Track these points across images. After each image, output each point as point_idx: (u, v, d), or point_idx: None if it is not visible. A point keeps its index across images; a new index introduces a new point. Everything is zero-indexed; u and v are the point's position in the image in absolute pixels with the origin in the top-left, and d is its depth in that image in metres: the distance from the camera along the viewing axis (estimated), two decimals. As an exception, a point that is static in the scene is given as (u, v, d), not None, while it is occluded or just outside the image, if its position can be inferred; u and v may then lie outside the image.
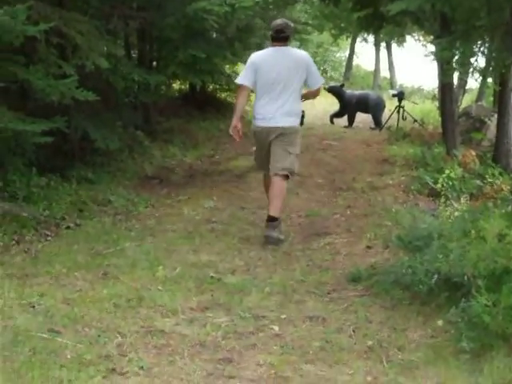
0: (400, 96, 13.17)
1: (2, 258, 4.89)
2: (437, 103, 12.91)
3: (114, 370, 3.25)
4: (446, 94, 9.49)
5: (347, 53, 28.33)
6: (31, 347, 3.41)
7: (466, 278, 3.84)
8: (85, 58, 6.34)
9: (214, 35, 10.08)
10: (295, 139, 5.76)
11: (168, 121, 10.89)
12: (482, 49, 8.10)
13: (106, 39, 7.12)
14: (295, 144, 5.75)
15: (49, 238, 5.47)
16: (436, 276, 4.01)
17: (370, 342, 3.68)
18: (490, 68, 7.82)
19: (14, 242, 5.24)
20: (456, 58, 7.81)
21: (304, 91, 5.93)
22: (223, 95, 13.62)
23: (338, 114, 13.72)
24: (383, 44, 26.35)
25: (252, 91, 5.96)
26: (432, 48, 14.14)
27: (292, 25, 6.03)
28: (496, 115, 9.62)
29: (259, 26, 10.63)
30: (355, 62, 28.87)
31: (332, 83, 15.62)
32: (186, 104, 12.42)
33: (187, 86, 12.97)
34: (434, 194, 7.09)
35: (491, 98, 14.23)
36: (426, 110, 14.70)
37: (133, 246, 5.37)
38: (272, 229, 5.57)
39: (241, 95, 5.80)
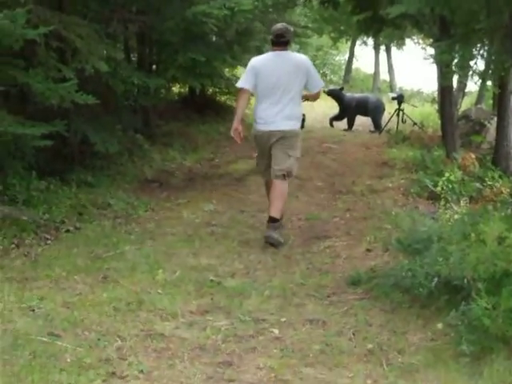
0: (399, 99, 13.16)
1: (2, 262, 4.89)
2: (436, 106, 12.92)
3: (113, 373, 3.25)
4: (446, 96, 9.49)
5: (347, 56, 28.36)
6: (31, 351, 3.41)
7: (465, 281, 3.84)
8: (84, 61, 6.34)
9: (214, 39, 10.09)
10: (296, 142, 5.80)
11: (167, 124, 10.89)
12: (481, 52, 8.10)
13: (105, 43, 7.12)
14: (296, 147, 5.79)
15: (48, 242, 5.47)
16: (436, 279, 4.01)
17: (369, 345, 3.68)
18: (490, 71, 7.82)
19: (13, 246, 5.24)
20: (455, 60, 7.81)
21: (304, 93, 5.96)
22: (223, 98, 13.63)
23: (337, 117, 13.72)
24: (383, 47, 26.36)
25: (252, 95, 5.98)
26: (431, 51, 14.14)
27: (292, 29, 6.08)
28: (495, 118, 9.63)
29: (259, 29, 10.64)
30: (355, 65, 28.93)
31: (331, 86, 15.63)
32: (185, 107, 12.42)
33: (187, 89, 12.97)
34: (434, 197, 7.08)
35: (491, 101, 14.24)
36: (425, 112, 14.71)
37: (132, 249, 5.38)
38: (272, 229, 5.59)
39: (241, 98, 5.83)
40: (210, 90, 13.30)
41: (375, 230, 5.93)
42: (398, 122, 12.73)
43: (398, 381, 3.30)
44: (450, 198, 6.73)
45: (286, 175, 5.71)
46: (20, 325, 3.74)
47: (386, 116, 13.37)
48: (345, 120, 13.57)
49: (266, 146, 5.80)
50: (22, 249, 5.22)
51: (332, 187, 8.08)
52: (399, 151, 10.22)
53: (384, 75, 27.36)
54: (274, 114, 5.68)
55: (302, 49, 18.33)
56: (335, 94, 13.62)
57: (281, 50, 5.77)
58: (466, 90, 13.86)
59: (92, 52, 6.41)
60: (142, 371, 3.29)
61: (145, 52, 9.78)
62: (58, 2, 6.85)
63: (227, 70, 12.63)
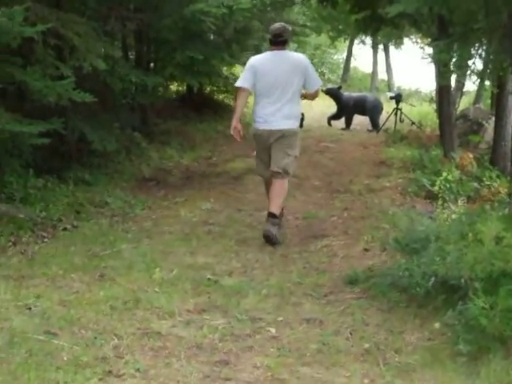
0: (397, 98, 13.18)
1: (-1, 260, 4.88)
2: (434, 105, 12.93)
3: (110, 372, 3.25)
4: (444, 96, 9.50)
5: (345, 55, 28.39)
6: (27, 349, 3.41)
7: (463, 280, 3.84)
8: (82, 59, 6.34)
9: (212, 37, 10.08)
10: (295, 141, 5.82)
11: (165, 122, 10.89)
12: (479, 51, 8.09)
13: (103, 40, 7.13)
14: (294, 146, 5.81)
15: (45, 240, 5.46)
16: (433, 279, 4.01)
17: (366, 345, 3.68)
18: (488, 70, 7.80)
19: (10, 244, 5.24)
20: (453, 60, 7.80)
21: (303, 92, 5.96)
22: (221, 97, 13.63)
23: (335, 116, 13.73)
24: (381, 46, 26.39)
25: (251, 94, 5.99)
26: (430, 50, 14.21)
27: (290, 28, 6.10)
28: (493, 118, 9.64)
29: (257, 27, 10.64)
30: (353, 64, 28.96)
31: (329, 85, 15.62)
32: (183, 106, 12.41)
33: (184, 87, 12.97)
34: (432, 197, 7.09)
35: (489, 101, 14.26)
36: (423, 112, 14.72)
37: (129, 247, 5.37)
38: (271, 225, 5.59)
39: (240, 97, 5.83)
40: (208, 89, 13.31)
41: (372, 230, 5.92)
42: (395, 122, 12.74)
43: (394, 380, 3.29)
44: (447, 198, 6.74)
45: (281, 172, 5.71)
46: (16, 323, 3.73)
47: (383, 115, 13.38)
48: (343, 119, 13.58)
49: (265, 144, 5.81)
50: (19, 247, 5.21)
51: (329, 186, 8.07)
52: (397, 150, 10.23)
53: (382, 74, 27.44)
54: (273, 113, 5.70)
55: (300, 47, 18.34)
56: (333, 93, 13.63)
57: (279, 50, 5.79)
58: (464, 90, 13.90)
59: (90, 50, 6.41)
60: (138, 370, 3.28)
61: (143, 50, 9.78)
62: (55, 0, 6.84)
63: (225, 68, 12.63)
